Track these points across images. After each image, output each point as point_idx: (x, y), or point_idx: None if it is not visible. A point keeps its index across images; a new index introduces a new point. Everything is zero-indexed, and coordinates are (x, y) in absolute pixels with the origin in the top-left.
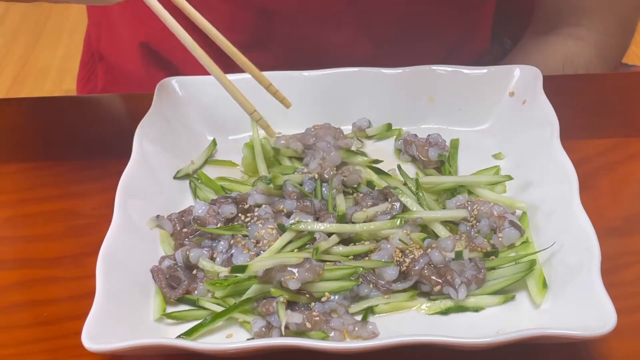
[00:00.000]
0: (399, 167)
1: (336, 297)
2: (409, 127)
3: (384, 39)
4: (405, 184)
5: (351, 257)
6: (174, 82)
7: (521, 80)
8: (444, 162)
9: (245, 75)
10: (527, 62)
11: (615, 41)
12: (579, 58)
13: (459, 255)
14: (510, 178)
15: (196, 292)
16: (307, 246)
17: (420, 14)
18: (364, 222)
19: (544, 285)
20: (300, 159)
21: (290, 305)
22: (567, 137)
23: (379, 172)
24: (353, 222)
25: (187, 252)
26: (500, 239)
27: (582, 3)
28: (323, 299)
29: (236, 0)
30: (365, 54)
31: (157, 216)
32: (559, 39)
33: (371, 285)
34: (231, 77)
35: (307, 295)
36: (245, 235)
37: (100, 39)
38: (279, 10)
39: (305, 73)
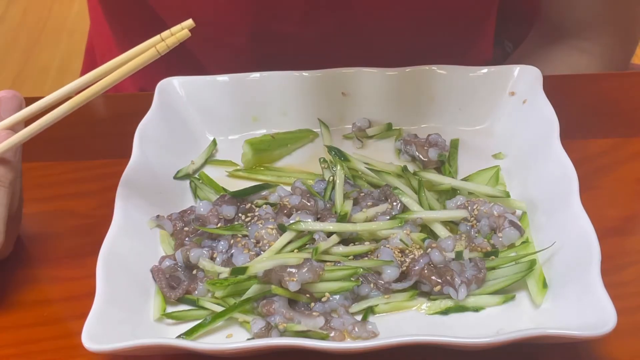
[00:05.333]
0: (405, 168)
1: (336, 297)
2: (409, 127)
3: (385, 64)
4: (407, 183)
5: (351, 257)
6: (174, 82)
7: (521, 80)
8: (444, 162)
9: (246, 75)
10: None
11: (619, 54)
12: (585, 71)
13: (459, 255)
14: (508, 195)
15: (196, 292)
16: (307, 246)
17: (423, 43)
18: (364, 222)
19: (544, 285)
20: None
21: (291, 304)
22: (567, 137)
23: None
24: (353, 222)
25: (187, 252)
26: (500, 239)
27: (587, 16)
28: (323, 299)
29: (234, 48)
30: None
31: (157, 216)
32: (564, 49)
33: (371, 285)
34: (232, 76)
35: (307, 296)
36: (245, 235)
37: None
38: (278, 54)
39: (305, 73)
